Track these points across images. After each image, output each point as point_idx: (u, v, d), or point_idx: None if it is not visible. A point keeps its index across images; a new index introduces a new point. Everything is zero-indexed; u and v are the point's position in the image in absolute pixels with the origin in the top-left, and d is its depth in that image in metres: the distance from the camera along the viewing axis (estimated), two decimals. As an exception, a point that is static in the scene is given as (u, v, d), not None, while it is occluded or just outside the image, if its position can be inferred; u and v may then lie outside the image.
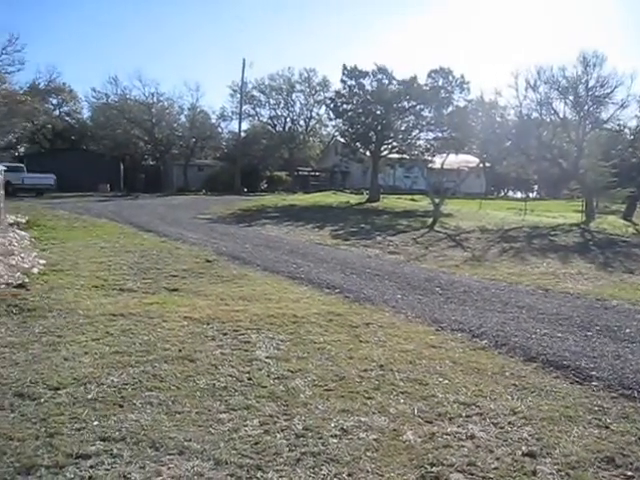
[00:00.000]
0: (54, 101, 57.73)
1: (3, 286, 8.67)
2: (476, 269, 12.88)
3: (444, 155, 33.04)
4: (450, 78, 33.72)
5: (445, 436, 4.25)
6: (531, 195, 63.52)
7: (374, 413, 4.62)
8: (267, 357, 5.90)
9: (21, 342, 6.17)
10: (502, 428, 4.41)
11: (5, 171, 24.42)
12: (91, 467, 3.67)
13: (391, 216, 25.41)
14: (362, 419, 4.49)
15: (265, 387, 5.06)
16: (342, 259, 13.52)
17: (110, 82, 56.21)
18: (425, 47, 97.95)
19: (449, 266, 13.25)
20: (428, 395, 5.03)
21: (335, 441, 4.11)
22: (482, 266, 13.39)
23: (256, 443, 4.04)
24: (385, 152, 36.19)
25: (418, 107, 34.50)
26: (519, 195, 63.14)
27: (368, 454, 3.94)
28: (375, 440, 4.15)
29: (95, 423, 4.26)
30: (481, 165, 42.26)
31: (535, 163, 32.12)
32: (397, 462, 3.85)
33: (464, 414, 4.65)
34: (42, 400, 4.65)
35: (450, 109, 34.09)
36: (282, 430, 4.25)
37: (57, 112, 58.37)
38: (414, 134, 36.00)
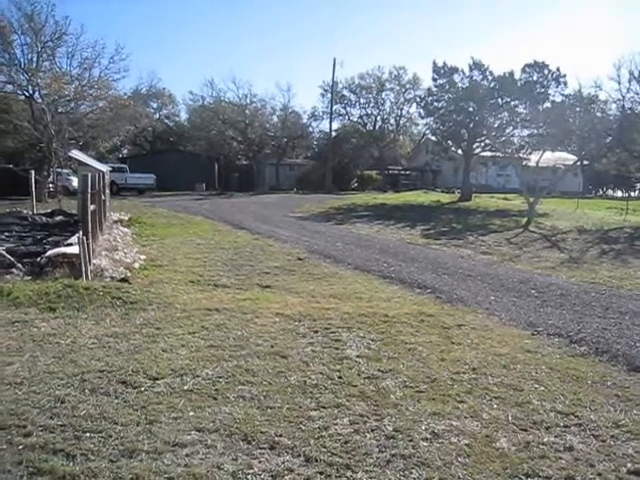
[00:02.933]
0: (154, 105, 60.65)
1: (108, 279, 9.19)
2: (574, 271, 12.30)
3: (539, 153, 31.74)
4: (545, 72, 32.29)
5: (541, 446, 4.07)
6: (633, 194, 59.60)
7: (466, 417, 4.51)
8: (358, 356, 5.90)
9: (124, 333, 6.51)
10: (604, 441, 4.17)
11: (111, 172, 25.97)
12: (187, 455, 3.81)
13: (483, 215, 24.74)
14: (454, 423, 4.40)
15: (355, 386, 5.06)
16: (433, 259, 13.32)
17: (206, 85, 58.89)
18: (518, 41, 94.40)
19: (545, 268, 12.73)
20: (523, 402, 4.85)
21: (426, 444, 4.05)
22: (580, 268, 12.77)
23: (346, 442, 4.04)
24: (478, 150, 35.27)
25: (512, 103, 33.33)
26: (619, 194, 59.45)
27: (460, 460, 3.85)
28: (467, 445, 4.05)
29: (191, 414, 4.42)
30: (578, 163, 40.25)
31: (639, 160, 30.23)
32: (490, 470, 3.74)
33: (562, 424, 4.45)
34: (142, 389, 4.89)
35: (546, 105, 32.67)
36: (372, 430, 4.23)
37: (157, 115, 61.21)
38: (508, 131, 34.80)
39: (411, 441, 4.09)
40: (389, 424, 4.34)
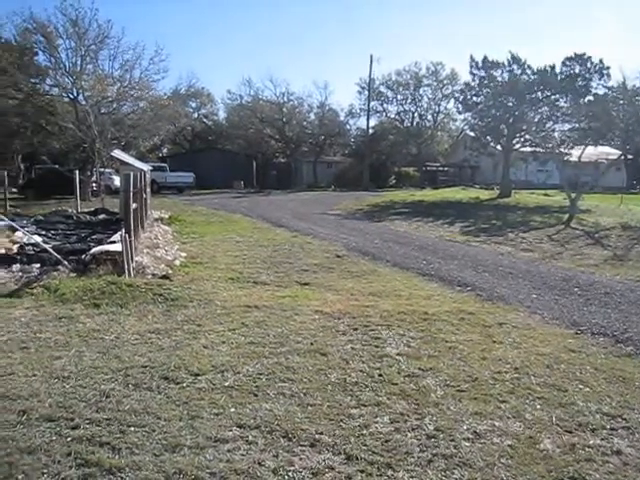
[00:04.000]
0: (193, 104, 61.27)
1: (150, 276, 9.35)
2: (618, 269, 11.97)
3: (581, 147, 30.97)
4: (588, 65, 31.43)
5: (587, 449, 3.98)
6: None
7: (509, 418, 4.44)
8: (397, 354, 5.87)
9: (166, 329, 6.63)
10: (654, 445, 4.05)
11: (151, 171, 26.45)
12: (228, 451, 3.86)
13: (524, 212, 24.27)
14: (496, 423, 4.34)
15: (396, 384, 5.04)
16: (473, 256, 13.15)
17: (244, 84, 59.23)
18: (558, 33, 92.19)
19: (588, 265, 12.43)
20: (567, 402, 4.75)
21: (467, 444, 4.00)
22: (625, 266, 12.41)
23: (386, 441, 4.03)
24: (517, 145, 34.61)
25: (553, 97, 32.60)
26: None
27: (502, 461, 3.80)
28: (510, 446, 3.99)
29: (232, 410, 4.47)
30: (622, 157, 39.14)
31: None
32: (534, 472, 3.68)
33: (608, 426, 4.34)
34: (184, 384, 4.97)
35: (588, 98, 31.82)
36: (413, 429, 4.21)
37: (196, 114, 61.86)
38: (548, 126, 34.02)
39: (453, 441, 4.05)
40: (430, 423, 4.31)
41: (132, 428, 4.12)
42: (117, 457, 3.73)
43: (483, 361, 5.74)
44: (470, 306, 8.17)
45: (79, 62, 31.69)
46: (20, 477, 3.49)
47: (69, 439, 3.94)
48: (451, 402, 4.70)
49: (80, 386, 4.86)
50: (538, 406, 4.67)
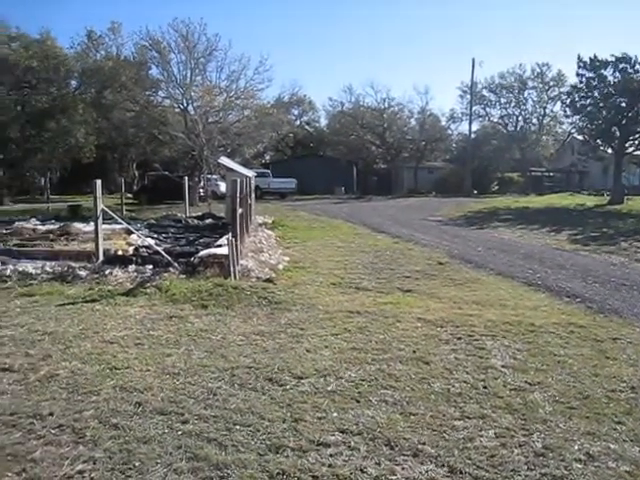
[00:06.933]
0: (295, 112, 62.74)
1: (254, 279, 9.62)
2: None
3: None
4: None
5: None
6: None
7: (625, 441, 4.14)
8: (503, 366, 5.67)
9: (270, 332, 6.78)
10: None
11: (255, 177, 27.25)
12: (331, 456, 3.88)
13: (637, 220, 22.77)
14: (611, 446, 4.06)
15: (501, 397, 4.86)
16: (582, 266, 12.48)
17: (345, 91, 59.78)
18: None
19: None
20: (694, 430, 4.37)
21: (579, 466, 3.78)
22: None
23: (492, 456, 3.89)
24: (631, 149, 32.61)
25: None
26: None
27: (619, 486, 3.56)
28: (628, 472, 3.71)
29: (334, 414, 4.50)
30: None
31: None
32: (656, 501, 3.42)
33: None
34: (288, 387, 5.06)
35: None
36: (520, 446, 4.04)
37: (298, 122, 63.20)
38: (667, 127, 31.84)
39: (563, 461, 3.84)
40: (538, 440, 4.12)
41: (237, 426, 4.25)
42: (224, 454, 3.86)
43: (595, 378, 5.42)
44: (580, 319, 7.74)
45: (189, 74, 33.41)
46: (137, 464, 3.71)
47: (179, 433, 4.13)
48: (560, 419, 4.47)
49: (189, 383, 5.09)
50: (659, 430, 4.34)
